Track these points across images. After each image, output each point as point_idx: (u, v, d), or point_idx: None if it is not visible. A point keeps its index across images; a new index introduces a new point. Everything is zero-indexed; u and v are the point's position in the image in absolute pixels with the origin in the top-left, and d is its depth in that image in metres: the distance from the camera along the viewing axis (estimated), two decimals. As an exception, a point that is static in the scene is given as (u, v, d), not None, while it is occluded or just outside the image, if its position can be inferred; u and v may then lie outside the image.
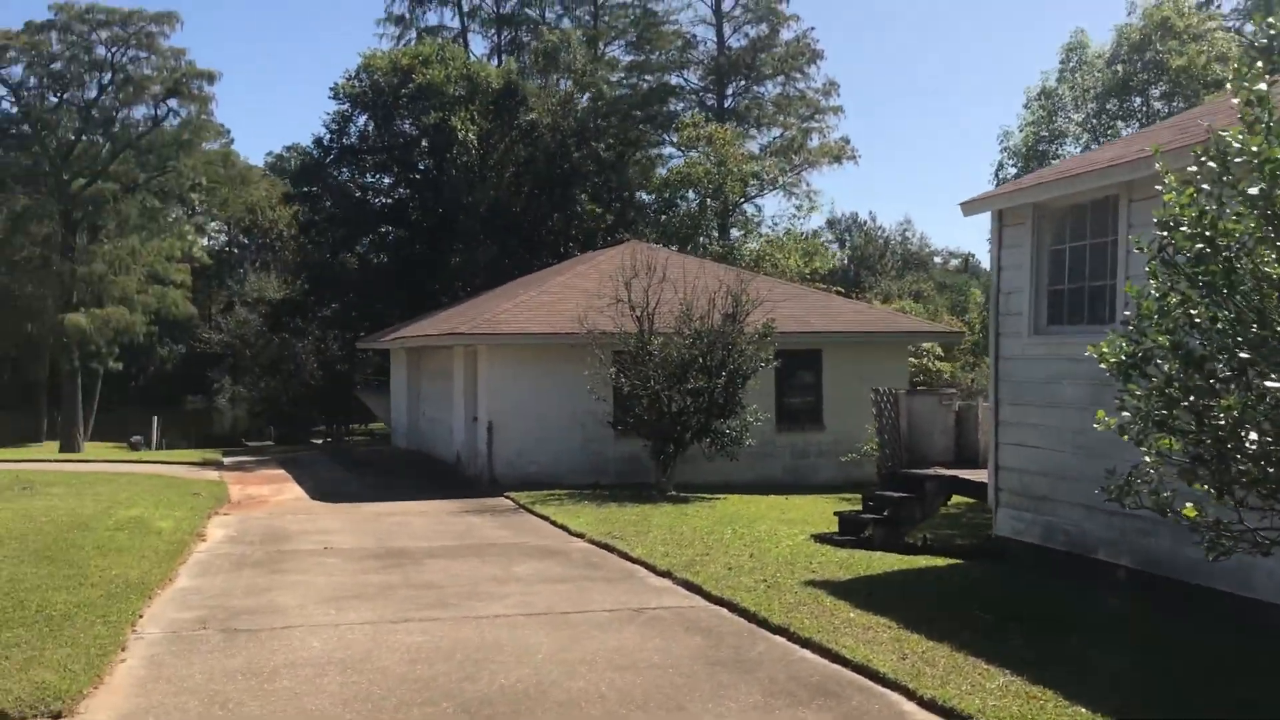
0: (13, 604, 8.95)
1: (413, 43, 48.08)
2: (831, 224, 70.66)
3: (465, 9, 50.68)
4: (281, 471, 25.04)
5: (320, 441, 42.91)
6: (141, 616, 9.00)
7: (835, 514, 14.14)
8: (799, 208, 44.18)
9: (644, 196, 42.03)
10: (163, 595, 9.97)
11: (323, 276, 40.22)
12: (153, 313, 48.63)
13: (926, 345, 29.69)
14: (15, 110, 45.24)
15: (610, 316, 19.80)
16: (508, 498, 18.59)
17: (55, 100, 45.93)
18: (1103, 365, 6.22)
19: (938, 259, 76.71)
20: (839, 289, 34.60)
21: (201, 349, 69.79)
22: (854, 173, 59.95)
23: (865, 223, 72.24)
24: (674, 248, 31.55)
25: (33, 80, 45.15)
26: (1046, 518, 10.99)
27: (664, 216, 39.31)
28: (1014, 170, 34.92)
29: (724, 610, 9.39)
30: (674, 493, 18.97)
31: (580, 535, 13.84)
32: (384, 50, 43.24)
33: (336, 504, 18.44)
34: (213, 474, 24.28)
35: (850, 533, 13.34)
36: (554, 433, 21.57)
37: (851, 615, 8.74)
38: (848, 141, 46.80)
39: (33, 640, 7.83)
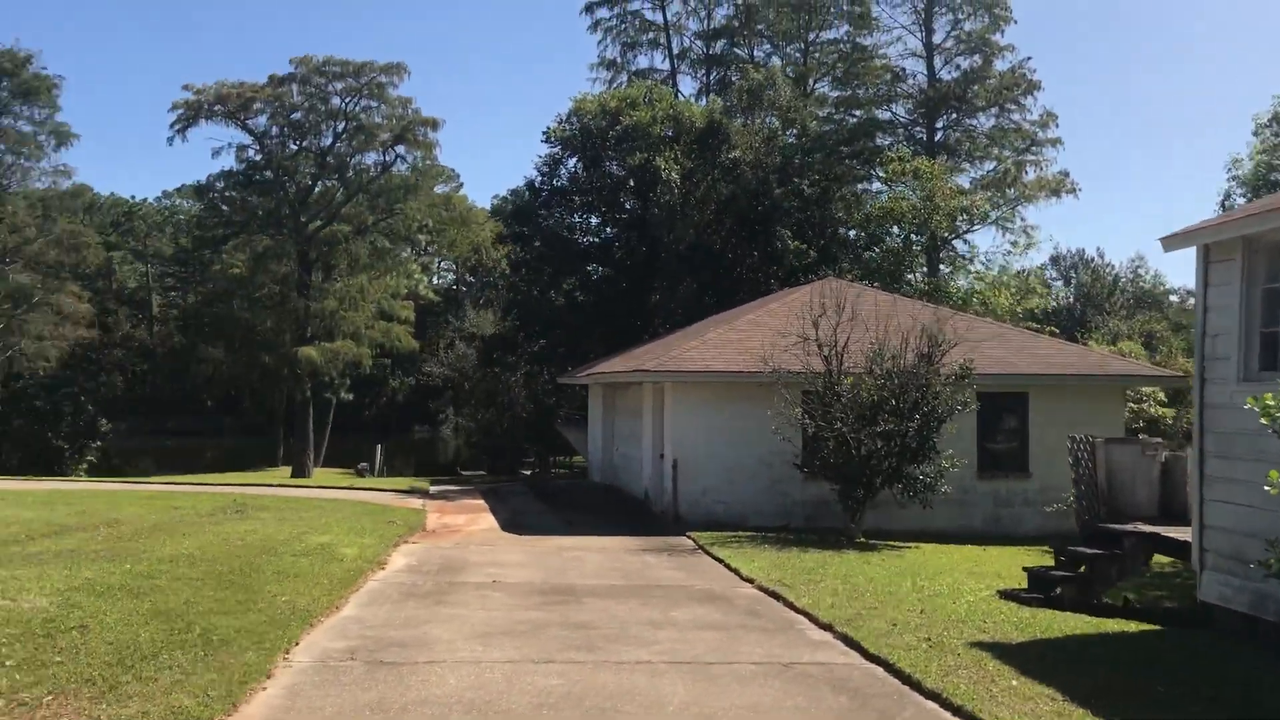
0: (181, 626, 9.35)
1: (624, 86, 49.13)
2: (1056, 260, 67.50)
3: (675, 51, 51.39)
4: (480, 501, 25.68)
5: (528, 473, 44.04)
6: (297, 644, 9.23)
7: (1024, 569, 13.22)
8: (1014, 244, 42.29)
9: (849, 232, 41.27)
10: (325, 624, 10.22)
11: (531, 313, 41.36)
12: (378, 347, 51.13)
13: (1147, 390, 27.73)
14: (259, 158, 48.63)
15: (796, 355, 19.38)
16: (689, 537, 18.37)
17: (295, 148, 49.14)
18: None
19: (1174, 297, 71.98)
20: (1053, 329, 32.85)
21: (425, 381, 73.01)
22: (1076, 207, 57.71)
23: (1092, 259, 68.63)
24: (877, 285, 30.69)
25: (275, 130, 48.48)
26: (1257, 585, 9.86)
27: (868, 253, 38.43)
28: (1243, 200, 32.33)
29: (878, 669, 8.83)
30: (862, 540, 18.30)
31: (750, 580, 13.46)
32: (594, 94, 44.23)
33: (522, 536, 18.68)
34: (416, 502, 25.10)
35: (1039, 590, 12.43)
36: (740, 473, 21.26)
37: (1014, 683, 8.04)
38: (1067, 174, 44.53)
39: (185, 664, 8.12)
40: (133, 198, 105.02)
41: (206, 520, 17.90)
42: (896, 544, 18.08)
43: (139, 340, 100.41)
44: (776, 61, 49.48)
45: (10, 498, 21.92)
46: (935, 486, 18.55)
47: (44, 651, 8.29)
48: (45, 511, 18.79)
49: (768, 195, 38.59)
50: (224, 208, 51.28)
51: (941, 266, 41.04)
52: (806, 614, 11.12)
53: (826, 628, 10.44)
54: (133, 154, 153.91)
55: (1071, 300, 66.96)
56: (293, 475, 45.49)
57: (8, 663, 7.92)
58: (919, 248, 38.29)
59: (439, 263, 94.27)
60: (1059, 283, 64.33)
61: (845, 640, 9.87)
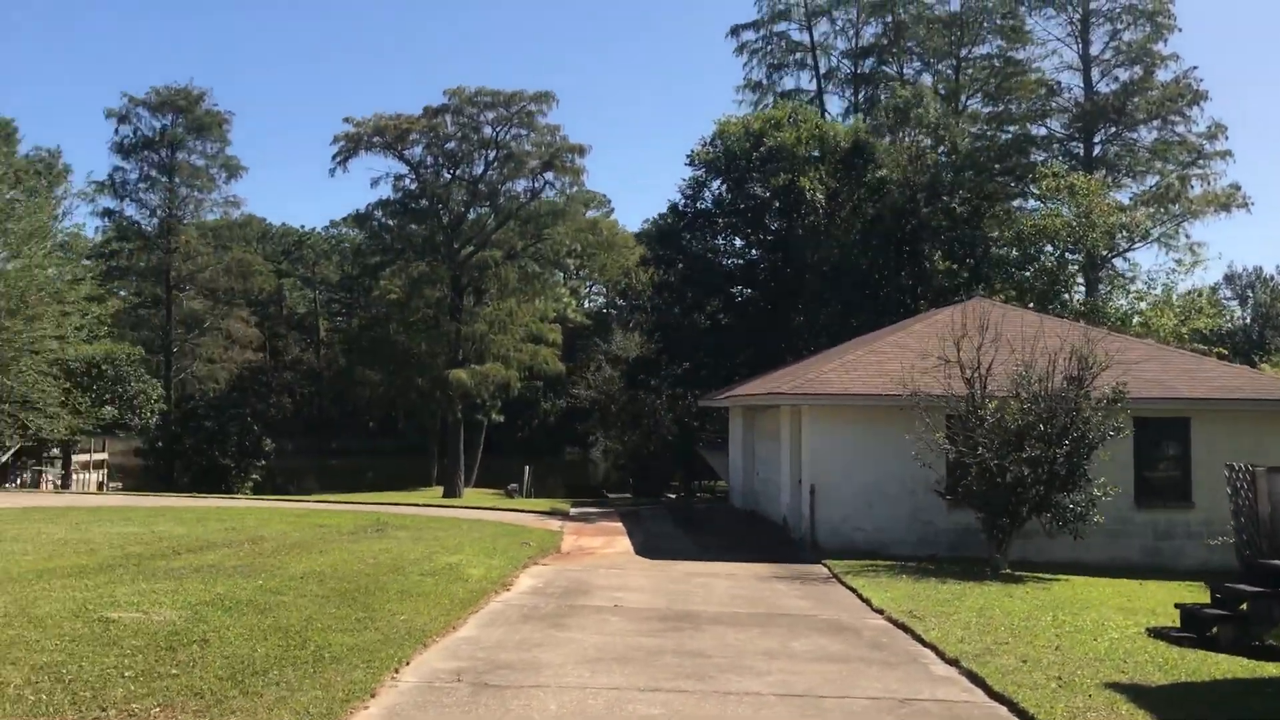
0: (297, 642, 9.50)
1: (770, 107, 48.88)
2: (1230, 279, 63.87)
3: (822, 71, 50.85)
4: (618, 524, 25.64)
5: (673, 496, 43.95)
6: (408, 664, 9.24)
7: (1176, 606, 12.34)
8: (1179, 262, 40.06)
9: (1001, 251, 39.95)
10: (439, 644, 10.23)
11: (674, 336, 41.36)
12: (527, 369, 51.95)
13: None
14: (415, 187, 50.18)
15: (938, 378, 18.72)
16: (825, 565, 17.86)
17: (448, 177, 50.55)
18: None
19: (1367, 318, 67.26)
20: (1221, 350, 30.93)
21: (574, 404, 73.69)
22: (1251, 223, 54.45)
23: (1271, 278, 64.68)
24: (1030, 305, 29.51)
25: (430, 159, 49.99)
26: None
27: (1023, 272, 37.06)
28: None
29: (1001, 709, 8.31)
30: (1008, 571, 17.48)
31: (880, 611, 12.95)
32: (738, 116, 44.12)
33: (654, 560, 18.50)
34: (555, 524, 25.22)
35: (1192, 629, 11.56)
36: (880, 499, 20.64)
37: (1149, 731, 7.43)
38: (1238, 188, 42.04)
39: (293, 680, 8.21)
40: (302, 227, 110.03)
41: (346, 538, 18.33)
42: (1044, 576, 17.21)
43: (307, 363, 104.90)
44: (927, 79, 48.44)
45: (171, 514, 22.96)
46: (1086, 516, 17.61)
47: (163, 664, 8.51)
48: (198, 528, 19.58)
49: (915, 214, 37.69)
50: (385, 236, 53.05)
51: (1100, 286, 39.26)
52: (934, 647, 10.60)
53: (952, 663, 9.92)
54: (302, 185, 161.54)
55: (1248, 321, 63.20)
56: (444, 495, 46.48)
57: (126, 674, 8.15)
58: (1075, 267, 36.71)
59: (590, 286, 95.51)
60: (1234, 303, 60.76)
61: (970, 676, 9.34)
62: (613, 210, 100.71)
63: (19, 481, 41.19)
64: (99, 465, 48.93)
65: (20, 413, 33.70)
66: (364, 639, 9.82)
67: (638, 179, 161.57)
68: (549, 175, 50.06)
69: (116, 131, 56.42)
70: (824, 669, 9.69)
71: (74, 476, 45.14)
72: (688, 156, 43.18)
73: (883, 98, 47.73)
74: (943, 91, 47.31)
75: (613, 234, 56.58)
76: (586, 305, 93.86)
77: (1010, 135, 45.03)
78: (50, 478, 43.64)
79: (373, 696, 8.14)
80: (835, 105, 53.35)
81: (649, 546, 20.74)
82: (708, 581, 15.68)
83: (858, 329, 33.40)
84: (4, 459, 40.42)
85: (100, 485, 46.21)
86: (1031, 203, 42.58)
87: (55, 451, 44.12)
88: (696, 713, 8.06)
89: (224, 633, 9.76)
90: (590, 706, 8.14)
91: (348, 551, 16.12)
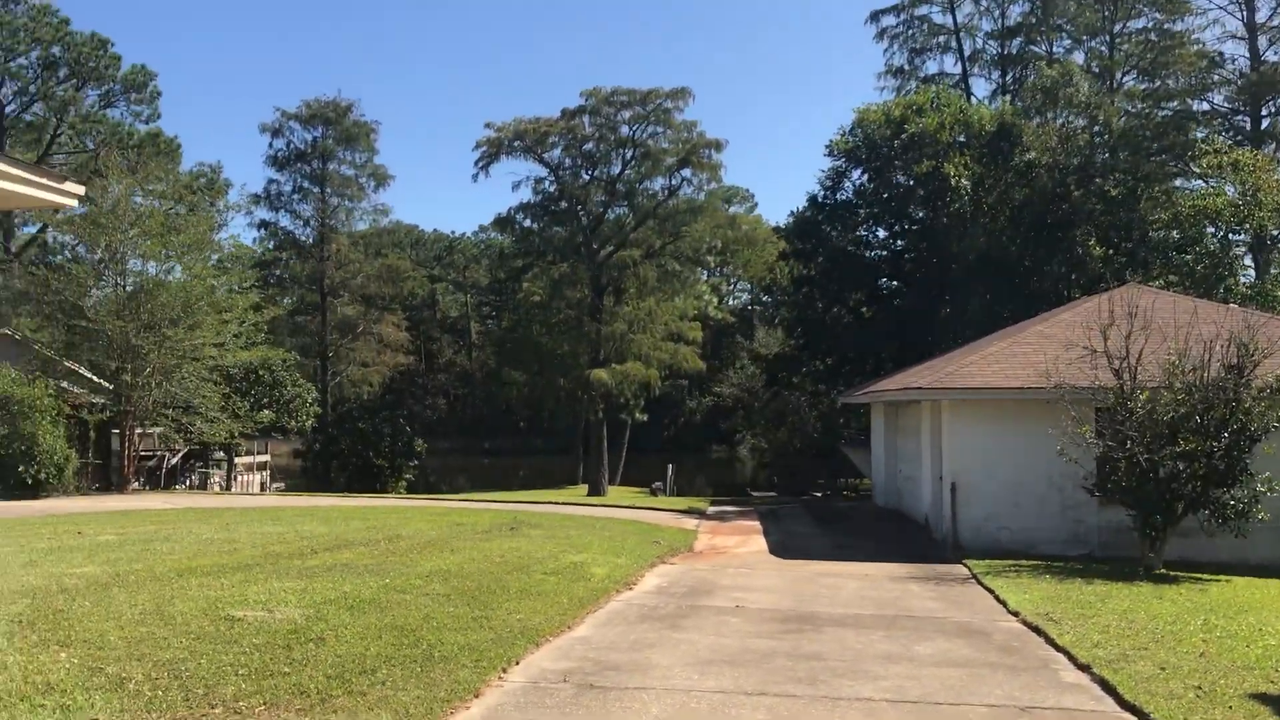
0: (410, 641, 9.58)
1: (912, 93, 47.67)
2: None
3: (966, 53, 49.28)
4: (755, 523, 25.35)
5: (818, 495, 43.27)
6: (517, 664, 9.21)
7: (1345, 611, 11.39)
8: (1366, 241, 37.25)
9: (1161, 235, 37.93)
10: (552, 644, 10.19)
11: (815, 331, 40.72)
12: (667, 368, 51.93)
13: None
14: (555, 189, 50.79)
15: (1083, 369, 17.83)
16: (965, 565, 17.22)
17: (587, 178, 50.95)
18: None
19: None
20: None
21: (718, 402, 73.38)
22: None
23: None
24: (1190, 290, 27.89)
25: (568, 161, 50.51)
26: None
27: (1183, 256, 35.08)
28: None
29: (1130, 719, 7.78)
30: (1162, 571, 16.52)
31: (1016, 614, 12.36)
32: (877, 104, 43.13)
33: (787, 560, 18.18)
34: (691, 523, 25.08)
35: (1363, 637, 10.64)
36: (1026, 497, 19.80)
37: (1296, 749, 6.80)
38: None
39: (398, 679, 8.26)
40: (452, 232, 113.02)
41: (479, 537, 18.56)
42: (1202, 576, 16.20)
43: (460, 366, 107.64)
44: (1078, 57, 46.42)
45: (319, 514, 23.72)
46: (1249, 513, 16.48)
47: (276, 662, 8.68)
48: (340, 526, 20.15)
49: (1066, 198, 36.12)
50: (527, 239, 53.89)
51: (1272, 269, 36.86)
52: (1066, 652, 10.03)
53: (1084, 669, 9.35)
54: (451, 192, 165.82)
55: None
56: (589, 494, 46.89)
57: (240, 671, 8.34)
58: (1241, 248, 34.57)
59: (734, 283, 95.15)
60: None
61: (1101, 684, 8.78)
62: (756, 205, 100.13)
63: (187, 483, 43.33)
64: (261, 467, 51.16)
65: (183, 417, 35.40)
66: (476, 638, 9.85)
67: (777, 173, 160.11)
68: (686, 172, 49.95)
69: (270, 145, 59.01)
70: (944, 674, 9.25)
71: (238, 478, 47.30)
72: (826, 147, 42.52)
73: (1030, 78, 45.93)
74: (1095, 69, 45.24)
75: (753, 229, 56.17)
76: (730, 302, 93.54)
77: (1169, 112, 42.74)
78: (216, 480, 45.79)
79: (476, 696, 8.12)
80: (980, 89, 51.79)
81: (783, 546, 20.40)
82: (837, 582, 15.28)
83: (1007, 320, 32.21)
84: (173, 462, 42.62)
85: (262, 486, 48.30)
86: (1193, 182, 40.33)
87: (220, 454, 46.28)
88: (800, 718, 7.77)
89: (341, 631, 9.93)
90: (692, 710, 7.94)
91: (477, 550, 16.31)
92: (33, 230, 53.22)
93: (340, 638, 9.66)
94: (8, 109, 53.36)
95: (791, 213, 45.06)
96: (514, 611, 11.26)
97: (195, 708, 7.37)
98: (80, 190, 7.25)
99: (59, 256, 45.63)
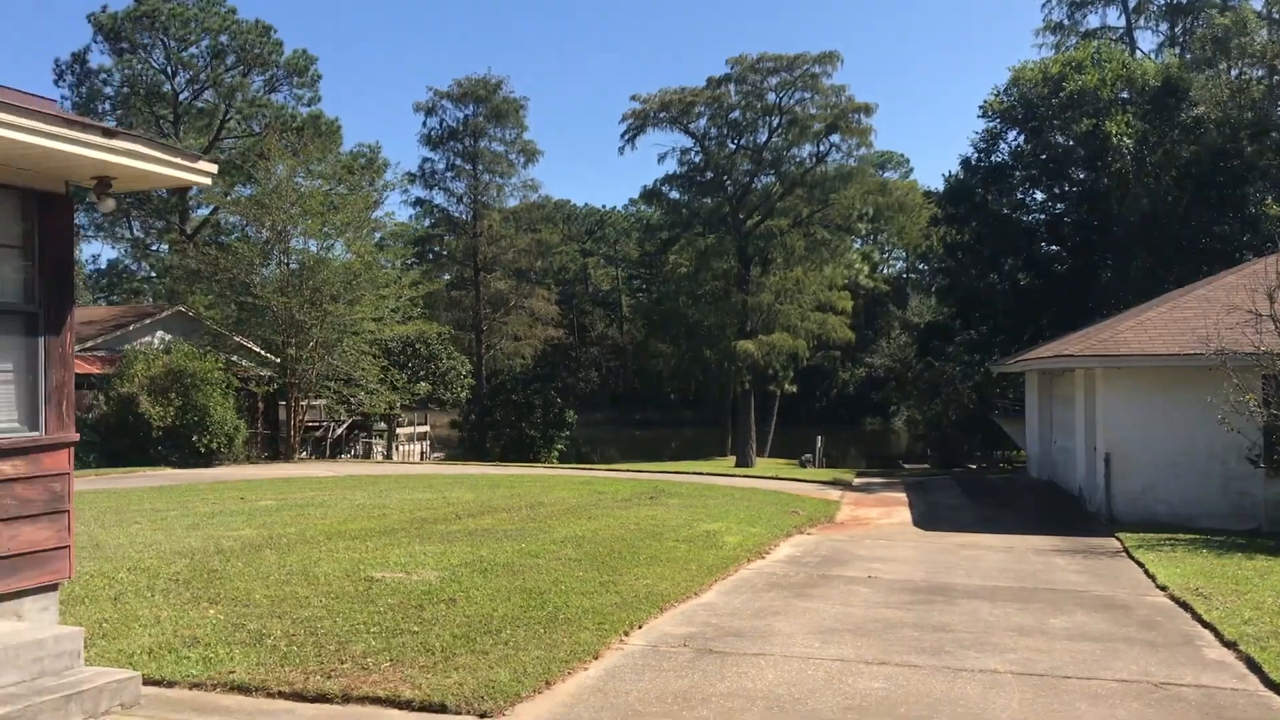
0: (536, 604, 9.80)
1: (1071, 49, 45.65)
2: None
3: (1131, 5, 46.87)
4: (901, 495, 24.94)
5: (972, 467, 42.19)
6: (639, 628, 9.32)
7: None
8: None
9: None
10: (676, 609, 10.26)
11: (968, 298, 39.60)
12: (816, 338, 51.38)
13: None
14: (700, 159, 50.74)
15: (1246, 334, 16.86)
16: (1117, 538, 16.59)
17: (733, 147, 50.74)
18: None
19: None
20: None
21: (871, 372, 72.10)
22: None
23: None
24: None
25: (714, 131, 50.40)
26: None
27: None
28: None
29: (1275, 699, 7.36)
30: (1335, 546, 15.57)
31: (1164, 588, 11.84)
32: (1035, 61, 41.45)
33: (929, 532, 17.84)
34: (835, 494, 24.82)
35: None
36: (1186, 468, 18.90)
37: None
38: None
39: (520, 640, 8.47)
40: (603, 207, 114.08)
41: (618, 505, 18.82)
42: (1380, 554, 15.16)
43: (611, 339, 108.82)
44: (1254, 3, 43.55)
45: (468, 481, 24.44)
46: None
47: (408, 621, 9.02)
48: (486, 494, 20.72)
49: (1238, 155, 34.04)
50: (674, 210, 54.04)
51: None
52: (1212, 628, 9.56)
53: (1230, 645, 8.90)
54: (600, 166, 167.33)
55: None
56: (736, 465, 46.91)
57: (372, 630, 8.70)
58: None
59: (887, 251, 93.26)
60: None
61: (1247, 662, 8.34)
62: (911, 170, 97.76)
63: (351, 453, 45.20)
64: (421, 437, 52.93)
65: (345, 389, 36.91)
66: (601, 602, 10.01)
67: (932, 137, 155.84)
68: (835, 138, 49.29)
69: (424, 124, 60.63)
70: (1077, 648, 8.94)
71: (399, 448, 49.06)
72: (980, 108, 41.13)
73: (1199, 29, 43.38)
74: (1276, 15, 42.40)
75: (906, 194, 54.92)
76: (884, 271, 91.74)
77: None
78: (378, 449, 47.62)
79: (595, 658, 8.26)
80: (1146, 42, 49.46)
81: (927, 517, 20.01)
82: (977, 554, 14.91)
83: (1171, 284, 30.68)
84: (338, 432, 44.50)
85: (422, 455, 49.98)
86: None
87: (382, 425, 48.09)
88: (920, 688, 7.64)
89: (472, 593, 10.24)
90: (808, 677, 7.90)
91: (614, 517, 16.54)
92: (205, 212, 56.13)
93: (470, 599, 9.96)
94: (180, 97, 56.29)
95: (944, 176, 43.73)
96: (641, 577, 11.39)
97: (326, 663, 7.72)
98: (213, 169, 7.61)
99: (230, 237, 47.99)
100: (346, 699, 6.97)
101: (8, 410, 7.03)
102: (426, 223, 61.77)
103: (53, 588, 7.33)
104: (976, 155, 41.03)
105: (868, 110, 48.59)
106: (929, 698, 7.39)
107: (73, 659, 6.79)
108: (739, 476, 32.14)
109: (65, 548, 7.32)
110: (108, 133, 6.92)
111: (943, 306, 43.58)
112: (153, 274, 62.64)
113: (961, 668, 8.23)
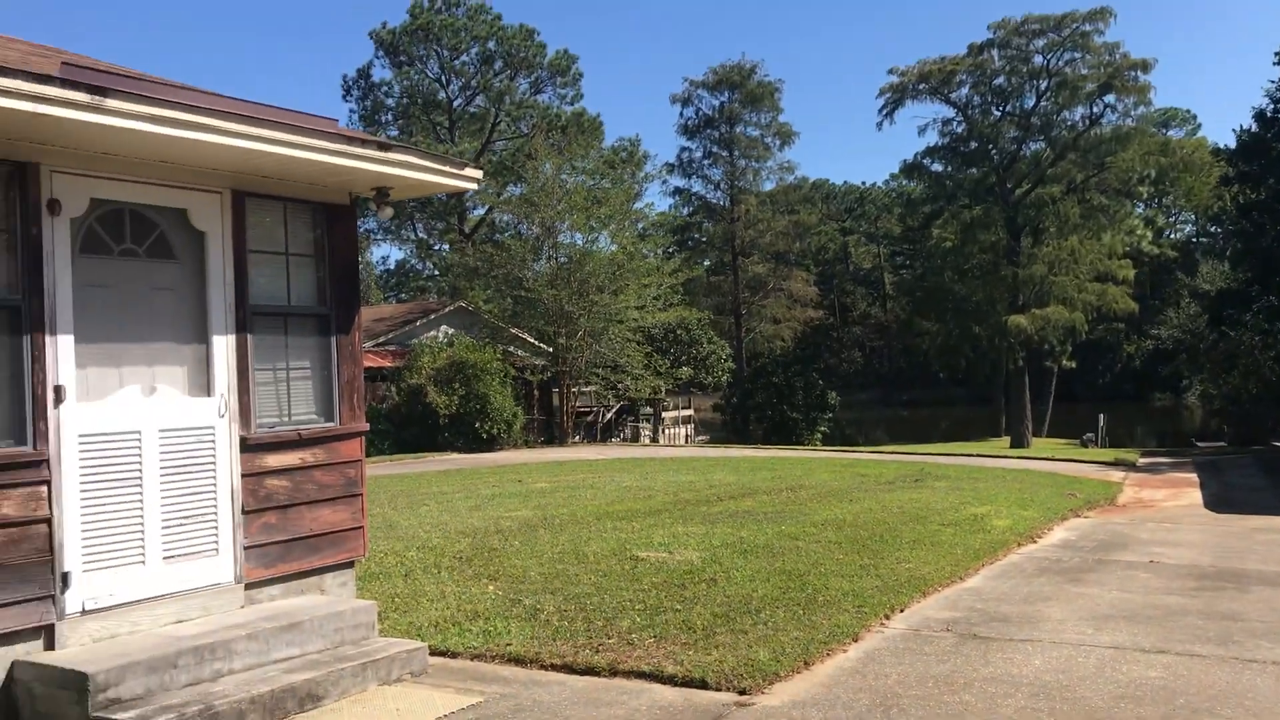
0: (795, 586, 9.89)
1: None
2: None
3: None
4: (1191, 475, 23.49)
5: (1277, 445, 38.79)
6: (901, 611, 9.25)
7: None
8: None
9: None
10: (940, 594, 10.10)
11: (1268, 262, 36.44)
12: (1094, 310, 48.65)
13: None
14: (962, 129, 49.03)
15: None
16: None
17: (997, 114, 48.74)
18: None
19: None
20: None
21: (1155, 345, 67.44)
22: None
23: None
24: None
25: (976, 99, 48.58)
26: None
27: None
28: None
29: None
30: None
31: None
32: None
33: (1221, 514, 16.71)
34: (1116, 475, 23.63)
35: None
36: None
37: None
38: None
39: (779, 620, 8.60)
40: (863, 183, 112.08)
41: (881, 488, 18.60)
42: None
43: (874, 318, 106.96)
44: None
45: (729, 464, 24.79)
46: None
47: (670, 599, 9.34)
48: (749, 476, 20.96)
49: None
50: (937, 183, 52.56)
51: None
52: None
53: None
54: (859, 142, 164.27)
55: None
56: (1011, 445, 45.24)
57: (637, 607, 9.06)
58: None
59: (1174, 214, 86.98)
60: None
61: None
62: (1199, 127, 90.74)
63: (620, 436, 46.69)
64: (686, 420, 53.98)
65: (612, 375, 38.21)
66: (861, 585, 9.99)
67: (1224, 90, 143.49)
68: (1109, 98, 46.54)
69: (681, 114, 61.55)
70: (1391, 643, 8.18)
71: (665, 431, 50.25)
72: (1276, 54, 37.70)
73: None
74: None
75: (1193, 153, 51.14)
76: (1170, 236, 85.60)
77: None
78: (645, 433, 48.96)
79: (855, 640, 8.28)
80: None
81: (1220, 499, 18.72)
82: (1276, 539, 13.81)
83: None
84: (607, 417, 46.07)
85: (686, 438, 50.99)
86: None
87: (648, 409, 49.39)
88: (1202, 679, 7.23)
89: (732, 573, 10.46)
90: (1078, 665, 7.62)
91: (876, 500, 16.38)
92: (481, 212, 59.27)
93: (730, 579, 10.18)
94: (454, 104, 59.62)
95: (1235, 131, 40.30)
96: (904, 560, 11.27)
97: (594, 638, 8.12)
98: (478, 174, 8.14)
99: (504, 235, 50.49)
100: (613, 672, 7.32)
101: (306, 404, 7.81)
102: (685, 211, 62.72)
103: (349, 565, 8.09)
104: (1273, 106, 37.61)
105: (1145, 66, 45.48)
106: (1212, 689, 6.99)
107: (368, 630, 7.48)
108: (1012, 458, 31.00)
109: (359, 528, 8.06)
110: (383, 146, 7.54)
111: (1238, 272, 40.23)
112: (436, 272, 66.76)
113: (1251, 659, 7.72)
